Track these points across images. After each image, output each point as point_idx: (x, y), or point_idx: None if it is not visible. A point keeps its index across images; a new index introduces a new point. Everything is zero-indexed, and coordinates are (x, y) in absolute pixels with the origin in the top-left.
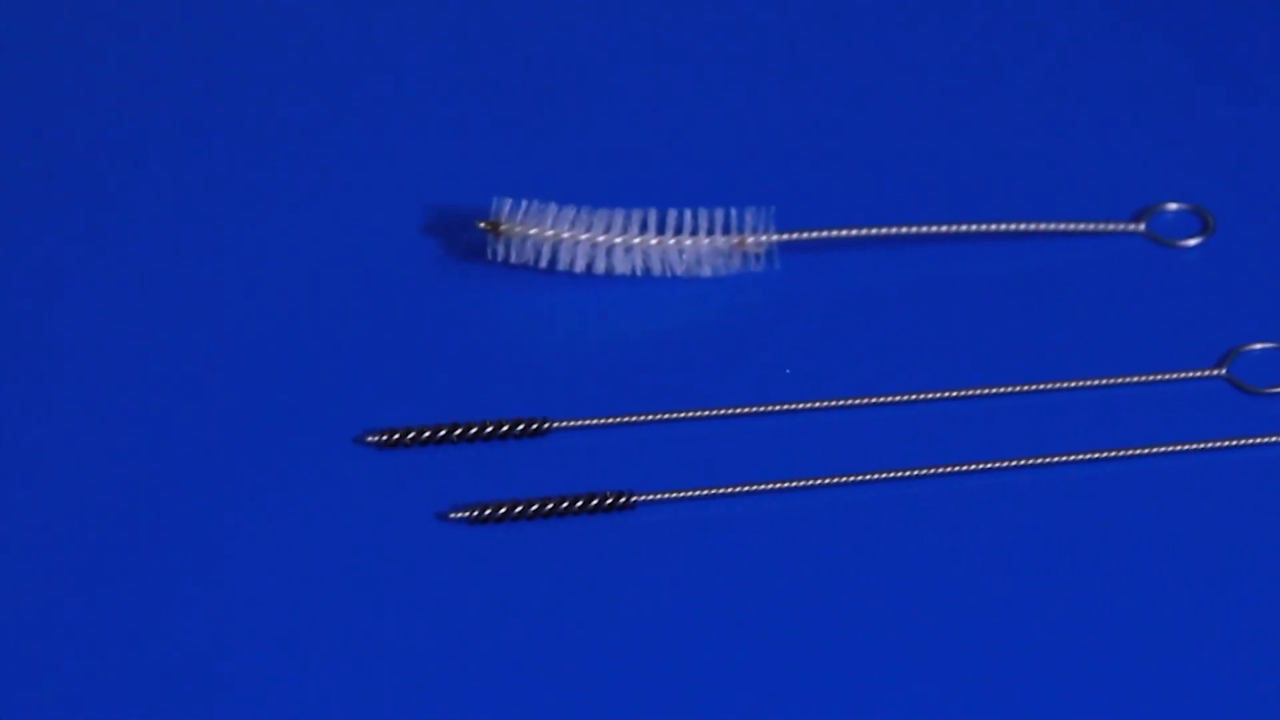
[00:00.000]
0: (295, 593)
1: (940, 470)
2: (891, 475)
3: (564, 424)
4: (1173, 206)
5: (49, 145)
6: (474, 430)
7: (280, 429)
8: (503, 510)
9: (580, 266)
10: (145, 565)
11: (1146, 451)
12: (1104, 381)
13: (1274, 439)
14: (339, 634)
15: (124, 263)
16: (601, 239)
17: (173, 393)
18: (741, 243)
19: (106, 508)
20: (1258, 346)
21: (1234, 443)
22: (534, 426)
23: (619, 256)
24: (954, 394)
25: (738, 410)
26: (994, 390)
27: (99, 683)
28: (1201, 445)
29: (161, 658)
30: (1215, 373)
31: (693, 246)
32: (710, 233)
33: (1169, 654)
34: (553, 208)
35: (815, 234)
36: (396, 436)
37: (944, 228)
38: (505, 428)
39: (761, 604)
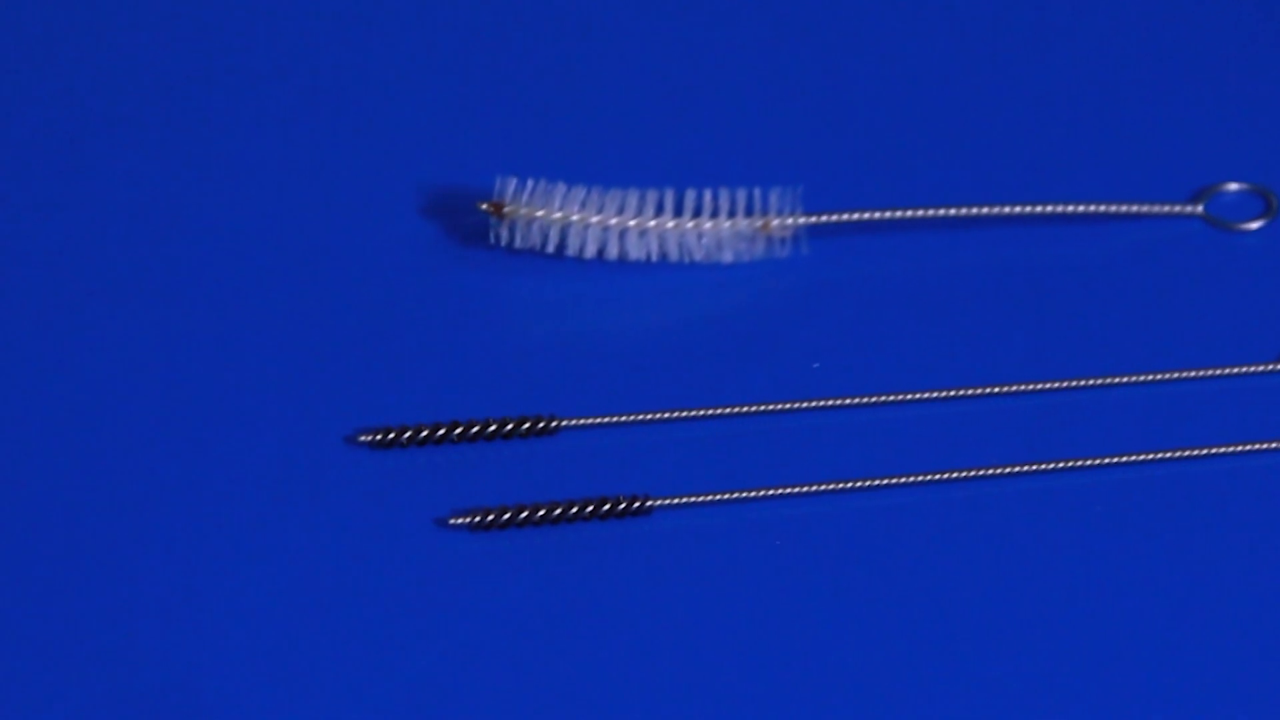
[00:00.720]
0: (282, 607)
1: (982, 472)
2: (929, 478)
3: (573, 422)
4: (1233, 187)
5: (33, 127)
6: (476, 429)
7: (265, 427)
8: (507, 516)
9: (591, 251)
10: (122, 574)
11: (1204, 452)
12: (1158, 376)
13: None
14: (330, 650)
15: (103, 248)
16: (614, 222)
17: (151, 385)
18: (766, 225)
19: (75, 508)
20: None
21: None
22: (541, 425)
23: (633, 241)
24: (995, 390)
25: (762, 408)
26: (1038, 386)
27: (79, 688)
28: (1265, 446)
29: (142, 669)
30: (1279, 367)
31: (713, 230)
32: (732, 215)
33: (1230, 661)
34: (561, 188)
35: (846, 216)
36: (392, 436)
37: (985, 210)
38: (510, 427)
39: (788, 618)
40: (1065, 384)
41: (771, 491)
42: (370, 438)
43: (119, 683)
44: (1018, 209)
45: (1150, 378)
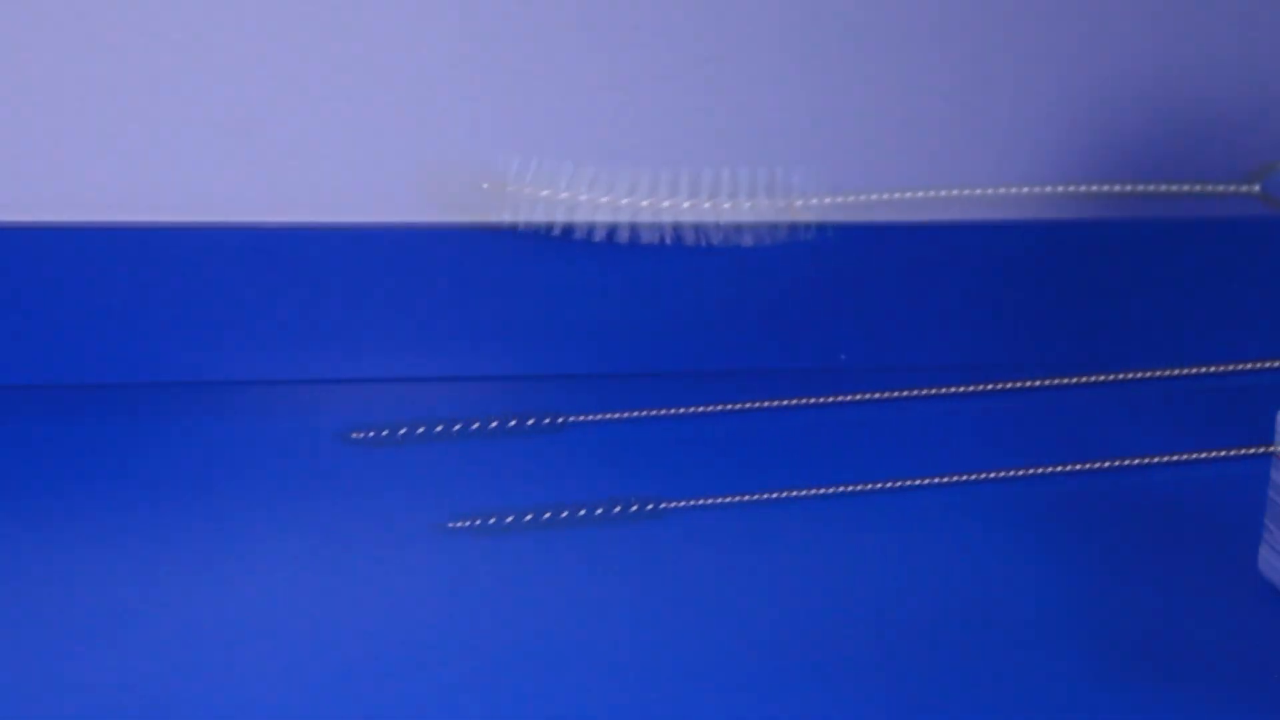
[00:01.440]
0: (272, 613)
1: (1016, 473)
2: (962, 478)
3: (581, 419)
4: None
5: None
6: (477, 426)
7: (254, 425)
8: (511, 519)
9: (600, 234)
10: (118, 574)
11: (1260, 451)
12: (1211, 369)
13: None
14: (326, 659)
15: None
16: (625, 202)
17: (148, 384)
18: (789, 207)
19: (71, 505)
20: None
21: None
22: (546, 422)
23: (645, 223)
24: (1032, 384)
25: (782, 403)
26: (1079, 380)
27: (73, 685)
28: None
29: (137, 669)
30: None
31: (732, 211)
32: (752, 195)
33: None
34: (568, 166)
35: (874, 196)
36: (387, 434)
37: (1025, 189)
38: (513, 423)
39: (806, 624)
40: (1111, 377)
41: (790, 493)
42: (364, 435)
43: (115, 681)
44: (1059, 189)
45: (1202, 370)
